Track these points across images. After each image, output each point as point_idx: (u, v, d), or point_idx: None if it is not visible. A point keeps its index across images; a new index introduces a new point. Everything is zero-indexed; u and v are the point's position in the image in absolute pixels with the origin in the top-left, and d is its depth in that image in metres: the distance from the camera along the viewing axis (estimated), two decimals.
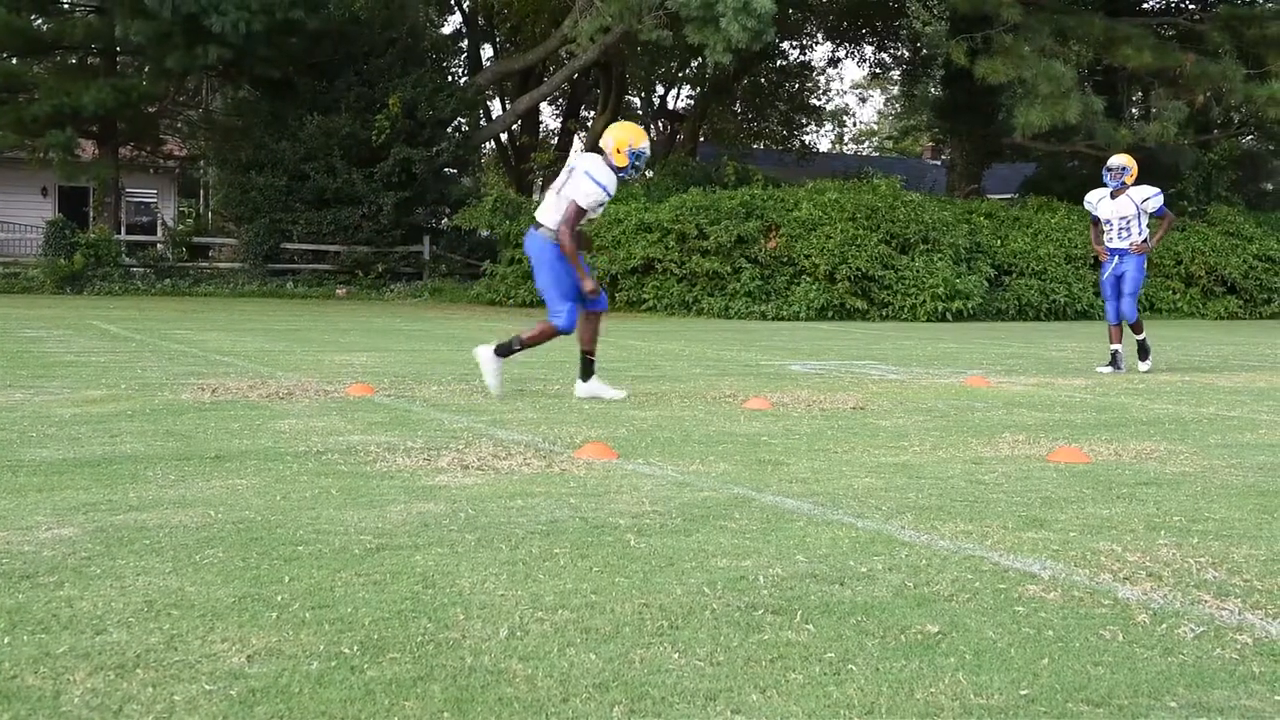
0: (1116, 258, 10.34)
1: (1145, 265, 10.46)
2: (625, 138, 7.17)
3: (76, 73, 26.01)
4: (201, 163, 33.00)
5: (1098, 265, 10.75)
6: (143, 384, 7.75)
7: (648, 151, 7.28)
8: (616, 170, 7.15)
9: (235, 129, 27.68)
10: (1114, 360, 10.36)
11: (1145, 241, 10.29)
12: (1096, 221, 10.50)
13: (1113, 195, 10.31)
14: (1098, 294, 19.88)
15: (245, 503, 4.11)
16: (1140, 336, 10.54)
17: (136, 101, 25.53)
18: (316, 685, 2.41)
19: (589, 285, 7.12)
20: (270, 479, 4.56)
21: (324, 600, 2.98)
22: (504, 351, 7.34)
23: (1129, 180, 10.24)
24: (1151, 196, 10.28)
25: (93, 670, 2.46)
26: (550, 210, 7.17)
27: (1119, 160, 10.37)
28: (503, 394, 7.40)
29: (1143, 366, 10.49)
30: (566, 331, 7.20)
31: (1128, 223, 10.25)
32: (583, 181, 7.06)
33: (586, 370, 7.49)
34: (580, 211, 7.06)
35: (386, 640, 2.68)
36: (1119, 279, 10.35)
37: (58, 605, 2.89)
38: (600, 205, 7.13)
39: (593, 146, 36.92)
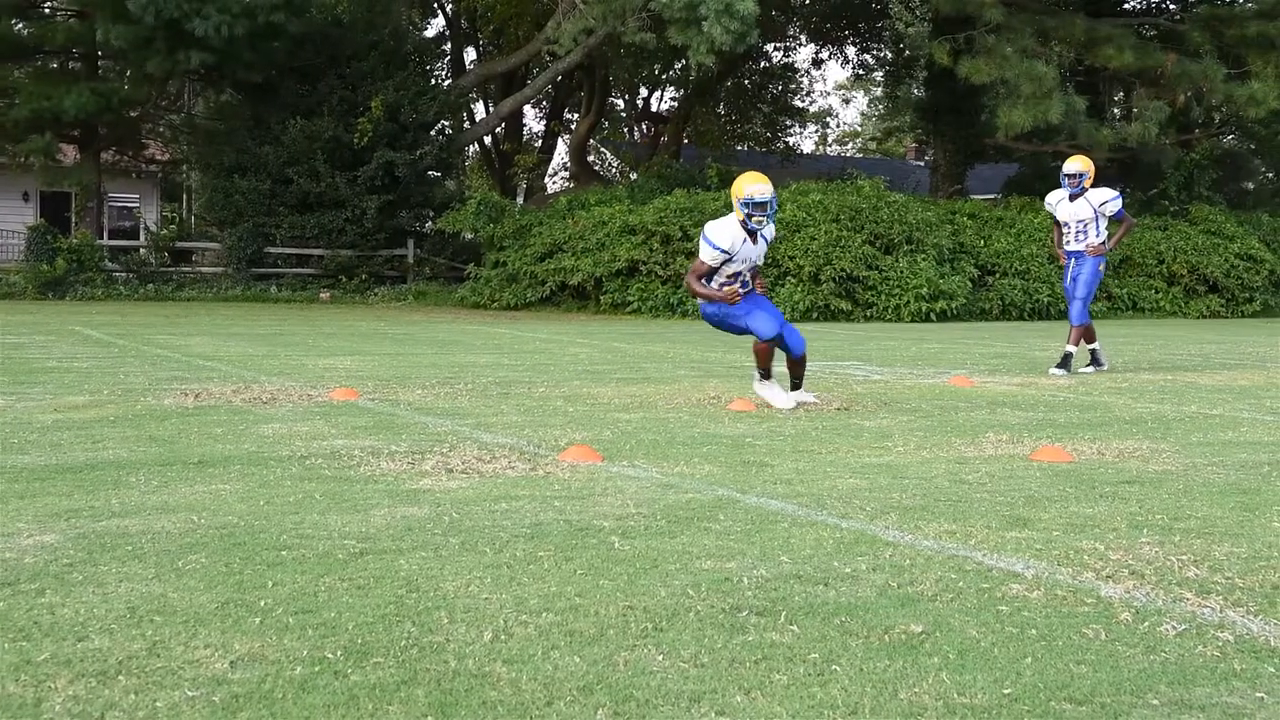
0: (1073, 260, 10.29)
1: (1101, 268, 10.30)
2: (734, 191, 7.17)
3: (57, 77, 25.88)
4: (184, 167, 32.87)
5: None
6: (125, 389, 7.72)
7: (758, 194, 7.01)
8: (744, 223, 7.11)
9: (218, 133, 27.59)
10: (1094, 359, 10.37)
11: (1103, 244, 10.24)
12: (1058, 223, 10.47)
13: (1071, 198, 10.27)
14: None
15: (228, 508, 4.10)
16: (1071, 347, 10.05)
17: (118, 106, 25.42)
18: (300, 690, 2.41)
19: (733, 289, 7.18)
20: (253, 484, 4.55)
21: (307, 605, 2.97)
22: (766, 374, 7.42)
23: (1087, 184, 10.18)
24: (1110, 200, 10.16)
25: (74, 677, 2.45)
26: None
27: (1075, 166, 10.20)
28: (791, 400, 7.39)
29: (1053, 370, 10.00)
30: (769, 336, 7.20)
31: (1085, 226, 10.17)
32: (701, 245, 7.19)
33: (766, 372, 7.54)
34: (706, 266, 7.15)
35: (370, 645, 2.68)
36: (1076, 281, 10.30)
37: (39, 612, 2.87)
38: (728, 258, 7.09)
39: (577, 149, 37.08)
